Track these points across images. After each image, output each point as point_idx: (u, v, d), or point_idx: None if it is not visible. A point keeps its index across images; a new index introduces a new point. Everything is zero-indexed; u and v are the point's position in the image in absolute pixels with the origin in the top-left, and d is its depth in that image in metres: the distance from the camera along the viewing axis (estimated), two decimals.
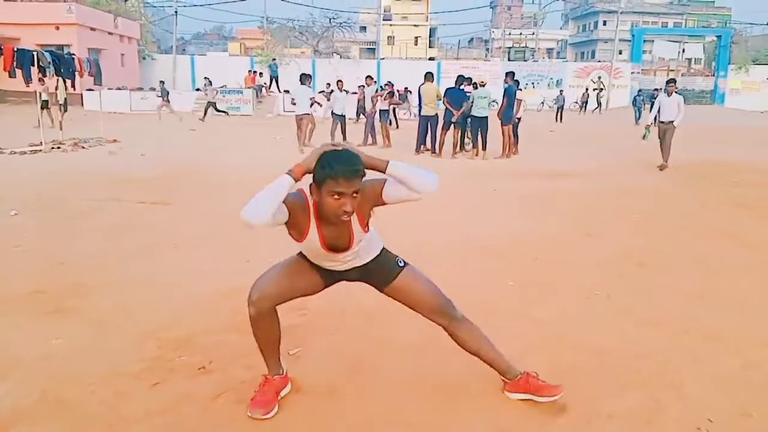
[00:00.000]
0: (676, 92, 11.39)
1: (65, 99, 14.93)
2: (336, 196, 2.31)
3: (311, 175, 2.37)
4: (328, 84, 16.20)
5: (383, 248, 2.79)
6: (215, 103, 23.87)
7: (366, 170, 2.38)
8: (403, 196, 2.50)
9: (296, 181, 2.38)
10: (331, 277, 2.76)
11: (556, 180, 9.81)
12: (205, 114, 23.12)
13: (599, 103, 35.10)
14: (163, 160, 11.43)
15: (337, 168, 2.28)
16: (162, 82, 26.51)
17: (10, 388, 2.86)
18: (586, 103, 34.37)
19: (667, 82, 11.95)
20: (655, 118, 11.72)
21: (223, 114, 24.80)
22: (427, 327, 3.55)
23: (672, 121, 11.25)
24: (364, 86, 17.05)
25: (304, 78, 14.63)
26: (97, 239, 5.66)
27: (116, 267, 4.80)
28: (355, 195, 2.34)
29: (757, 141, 17.73)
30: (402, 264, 2.77)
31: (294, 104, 14.49)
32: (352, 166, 2.30)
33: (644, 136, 12.46)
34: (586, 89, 36.18)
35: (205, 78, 25.92)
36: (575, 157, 13.36)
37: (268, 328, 2.67)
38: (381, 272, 2.75)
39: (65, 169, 10.05)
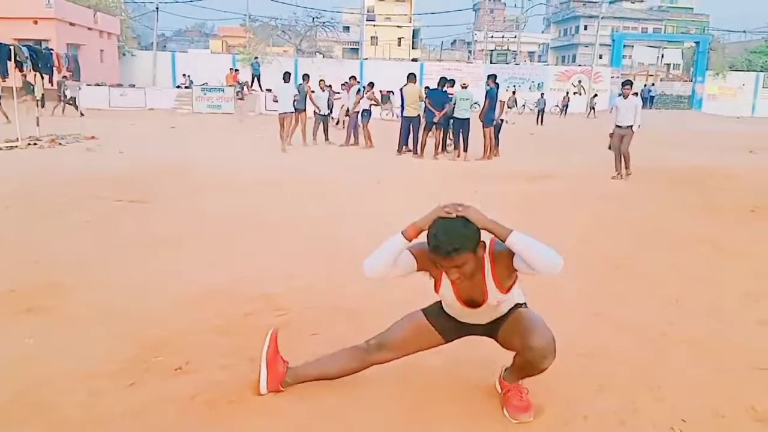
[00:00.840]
0: (633, 95, 10.88)
1: (42, 95, 14.71)
2: (438, 265, 2.43)
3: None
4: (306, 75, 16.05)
5: (524, 302, 2.79)
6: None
7: (479, 239, 2.40)
8: (523, 269, 2.47)
9: (410, 241, 2.45)
10: (460, 332, 2.79)
11: (536, 182, 9.88)
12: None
13: (592, 108, 35.22)
14: (142, 157, 11.31)
15: (435, 244, 2.33)
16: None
17: None
18: (567, 106, 34.61)
19: (623, 84, 10.99)
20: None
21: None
22: None
23: (630, 126, 10.64)
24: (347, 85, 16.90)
25: (287, 76, 14.60)
26: (73, 237, 5.58)
27: (92, 266, 4.74)
28: (460, 267, 2.36)
29: (733, 146, 18.00)
30: (521, 303, 2.78)
31: (276, 102, 14.43)
32: (449, 246, 2.30)
33: (611, 146, 10.97)
34: (567, 93, 36.45)
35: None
36: (555, 159, 13.46)
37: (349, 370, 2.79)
38: (501, 319, 2.72)
39: (42, 166, 9.90)
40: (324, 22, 48.84)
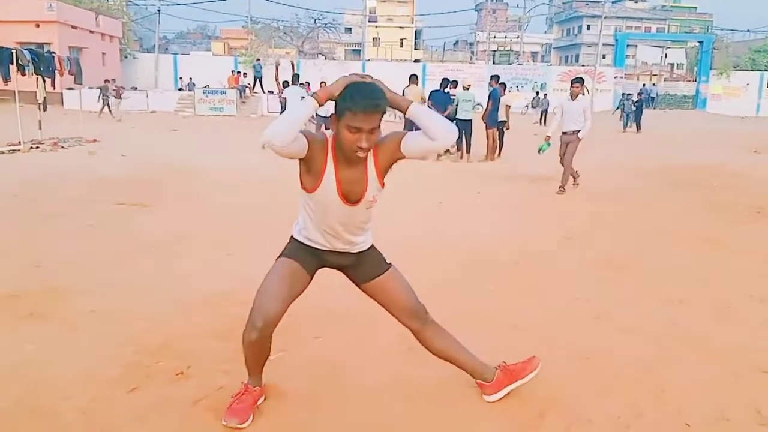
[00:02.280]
0: (582, 95, 9.01)
1: (44, 98, 14.73)
2: (353, 130, 2.30)
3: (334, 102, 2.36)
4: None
5: (373, 244, 2.80)
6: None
7: (388, 107, 2.37)
8: (421, 148, 2.47)
9: (320, 105, 2.35)
10: (317, 263, 2.72)
11: (538, 183, 9.85)
12: None
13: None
14: (144, 160, 11.31)
15: (358, 101, 2.26)
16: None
17: None
18: (540, 103, 34.48)
19: (572, 82, 9.07)
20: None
21: None
22: (401, 334, 3.55)
23: (576, 132, 8.89)
24: None
25: (295, 78, 14.57)
26: (74, 241, 5.58)
27: (93, 270, 4.73)
28: (372, 131, 2.33)
29: (738, 146, 17.95)
30: (388, 263, 2.78)
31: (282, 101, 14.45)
32: (374, 100, 2.28)
33: (540, 149, 9.34)
34: (537, 93, 36.27)
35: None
36: (557, 160, 13.40)
37: (264, 349, 2.62)
38: (369, 265, 2.75)
39: (44, 170, 9.91)
40: (326, 24, 48.92)
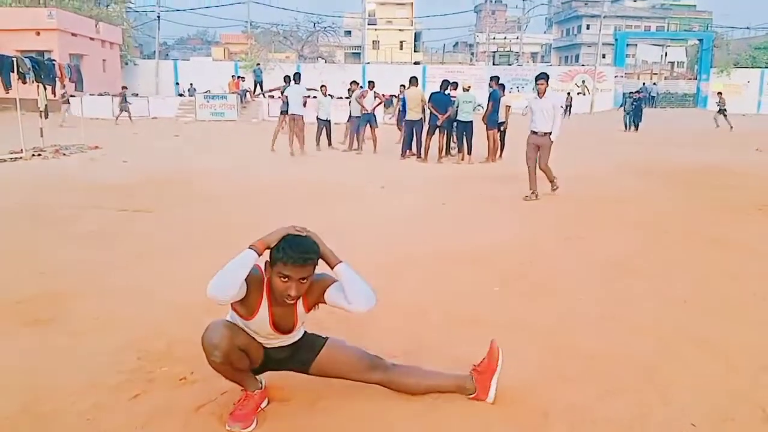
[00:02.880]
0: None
1: (46, 106, 14.76)
2: (284, 279, 2.45)
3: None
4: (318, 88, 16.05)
5: (305, 331, 2.90)
6: None
7: (319, 260, 2.54)
8: (338, 303, 2.61)
9: (259, 255, 2.50)
10: (267, 360, 2.81)
11: (540, 184, 9.80)
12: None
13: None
14: (146, 166, 11.33)
15: (289, 254, 2.42)
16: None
17: None
18: (570, 107, 34.54)
19: (537, 79, 8.51)
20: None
21: None
22: (407, 336, 3.55)
23: (548, 133, 8.39)
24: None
25: (296, 77, 14.45)
26: (77, 248, 5.58)
27: (96, 276, 4.73)
28: (302, 281, 2.48)
29: (740, 144, 17.93)
30: (324, 337, 2.88)
31: (287, 104, 14.22)
32: (304, 254, 2.44)
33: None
34: (569, 93, 36.33)
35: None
36: (559, 161, 13.39)
37: (237, 364, 2.67)
38: (307, 346, 2.84)
39: (46, 177, 9.93)
40: (325, 27, 49.07)
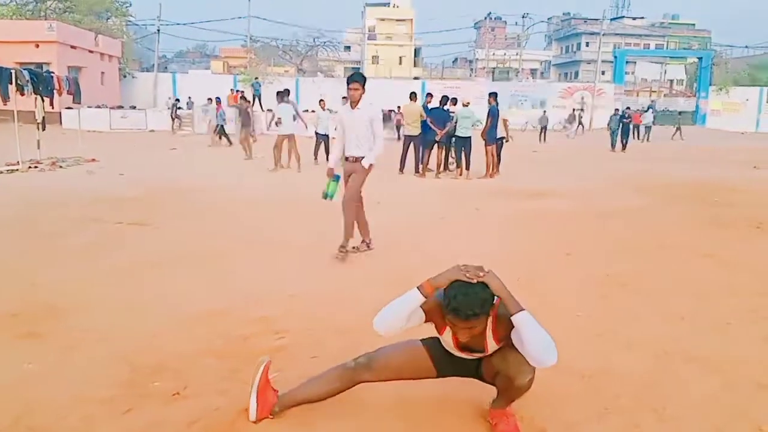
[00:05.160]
0: (369, 104, 5.94)
1: (43, 118, 14.76)
2: (453, 327, 2.46)
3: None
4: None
5: None
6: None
7: (494, 303, 2.46)
8: (521, 350, 2.48)
9: (426, 298, 2.48)
10: (453, 367, 2.79)
11: (538, 200, 9.84)
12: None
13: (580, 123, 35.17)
14: (142, 180, 11.31)
15: (453, 305, 2.37)
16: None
17: None
18: (581, 122, 34.28)
19: (348, 81, 5.91)
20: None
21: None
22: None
23: (361, 158, 5.91)
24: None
25: (284, 94, 14.30)
26: (71, 260, 5.56)
27: (90, 289, 4.71)
28: (471, 329, 2.42)
29: (738, 161, 17.98)
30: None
31: (278, 125, 14.14)
32: (467, 310, 2.35)
33: (326, 195, 6.02)
34: (575, 110, 36.30)
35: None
36: (558, 177, 13.44)
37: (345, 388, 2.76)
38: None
39: (42, 189, 9.91)
40: (325, 42, 49.31)
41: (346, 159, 6.08)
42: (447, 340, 2.64)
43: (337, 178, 6.02)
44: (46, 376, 3.18)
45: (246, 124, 17.16)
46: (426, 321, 2.61)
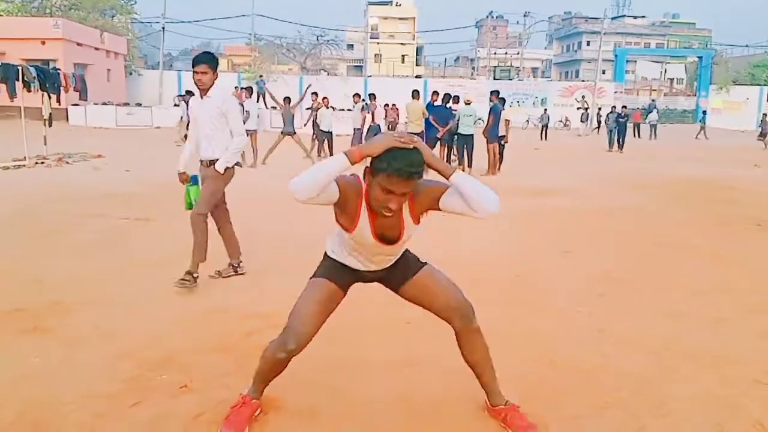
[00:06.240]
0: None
1: (50, 114, 14.84)
2: (385, 191, 2.32)
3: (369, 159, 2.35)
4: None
5: (406, 249, 2.80)
6: None
7: (426, 171, 2.37)
8: (458, 209, 2.45)
9: (352, 164, 2.34)
10: (352, 281, 2.74)
11: (539, 197, 9.87)
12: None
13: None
14: (148, 175, 11.36)
15: (394, 165, 2.27)
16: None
17: None
18: (589, 118, 33.65)
19: (193, 63, 4.78)
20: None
21: None
22: (406, 347, 3.56)
23: (215, 161, 4.96)
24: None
25: (249, 90, 15.11)
26: (77, 256, 5.60)
27: (95, 284, 4.75)
28: (404, 194, 2.34)
29: (737, 159, 17.99)
30: (423, 261, 2.79)
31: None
32: (409, 168, 2.28)
33: (187, 203, 5.12)
34: (586, 109, 36.12)
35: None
36: (558, 175, 13.47)
37: (284, 367, 2.65)
38: (402, 269, 2.74)
39: (48, 185, 9.96)
40: (328, 40, 49.32)
41: (201, 162, 5.07)
42: (362, 232, 2.50)
43: (194, 180, 5.12)
44: (52, 372, 3.22)
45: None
46: (337, 203, 2.44)
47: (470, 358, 2.75)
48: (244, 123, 14.17)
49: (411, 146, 2.32)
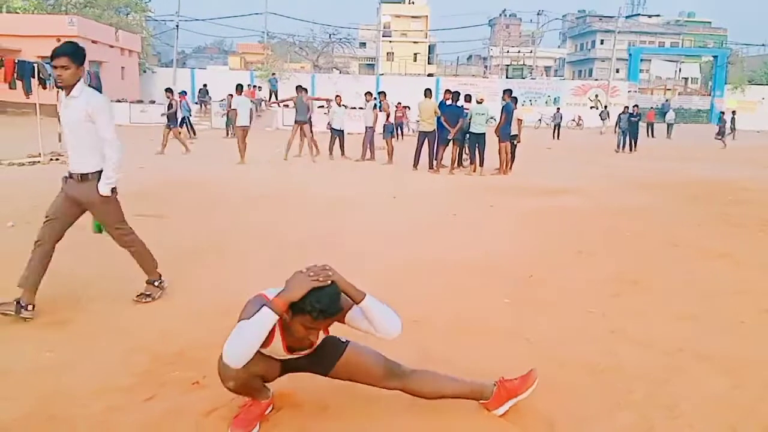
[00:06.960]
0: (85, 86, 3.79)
1: None
2: (307, 329, 2.47)
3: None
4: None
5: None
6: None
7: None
8: (363, 328, 2.62)
9: (279, 316, 2.41)
10: (285, 368, 2.80)
11: (552, 197, 9.84)
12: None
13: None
14: (162, 172, 11.44)
15: (318, 308, 2.38)
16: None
17: (0, 402, 2.85)
18: (609, 116, 33.53)
19: (52, 56, 3.88)
20: None
21: None
22: (417, 345, 3.57)
23: (93, 174, 4.18)
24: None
25: (239, 88, 15.07)
26: (91, 252, 5.64)
27: (110, 280, 4.80)
28: (327, 326, 2.55)
29: (752, 160, 17.82)
30: (345, 340, 2.83)
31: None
32: (332, 308, 2.43)
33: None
34: (605, 107, 35.80)
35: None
36: (571, 174, 13.41)
37: (252, 386, 2.69)
38: (328, 352, 2.78)
39: None
40: (341, 39, 49.39)
41: (70, 176, 4.24)
42: (276, 347, 2.57)
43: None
44: (66, 365, 3.25)
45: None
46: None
47: (431, 394, 2.79)
48: (237, 119, 14.41)
49: (329, 282, 2.43)
